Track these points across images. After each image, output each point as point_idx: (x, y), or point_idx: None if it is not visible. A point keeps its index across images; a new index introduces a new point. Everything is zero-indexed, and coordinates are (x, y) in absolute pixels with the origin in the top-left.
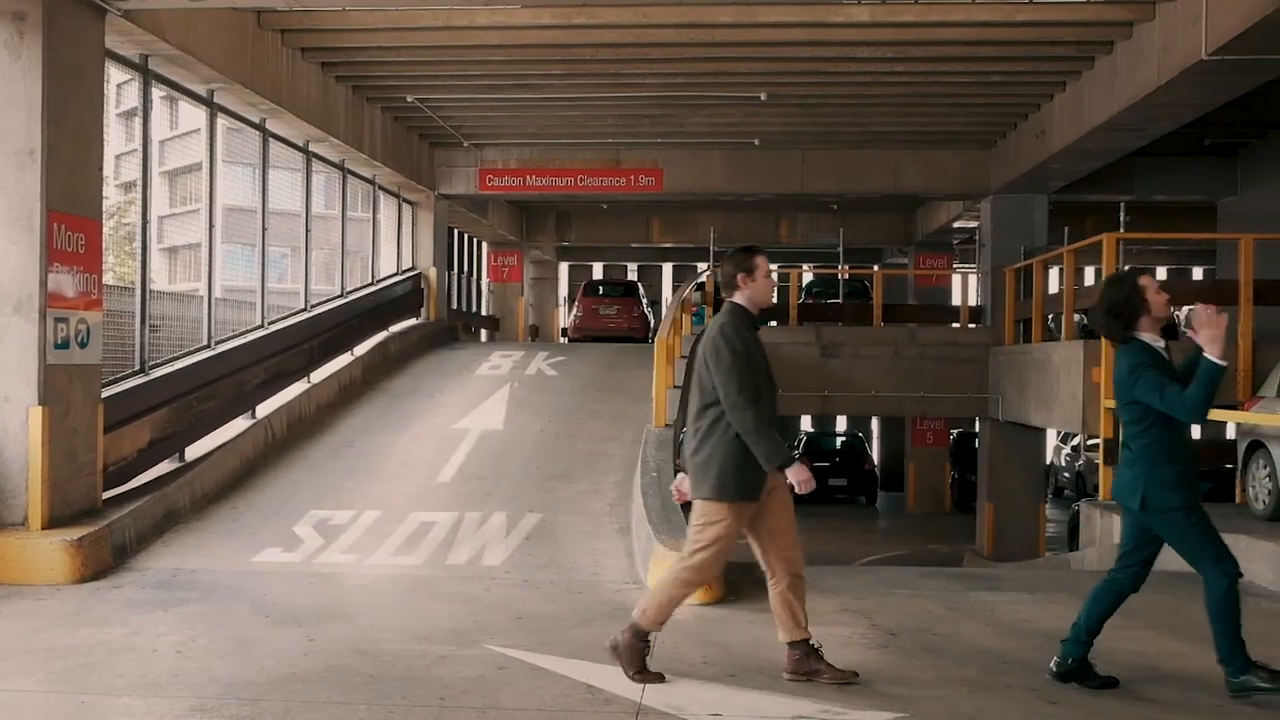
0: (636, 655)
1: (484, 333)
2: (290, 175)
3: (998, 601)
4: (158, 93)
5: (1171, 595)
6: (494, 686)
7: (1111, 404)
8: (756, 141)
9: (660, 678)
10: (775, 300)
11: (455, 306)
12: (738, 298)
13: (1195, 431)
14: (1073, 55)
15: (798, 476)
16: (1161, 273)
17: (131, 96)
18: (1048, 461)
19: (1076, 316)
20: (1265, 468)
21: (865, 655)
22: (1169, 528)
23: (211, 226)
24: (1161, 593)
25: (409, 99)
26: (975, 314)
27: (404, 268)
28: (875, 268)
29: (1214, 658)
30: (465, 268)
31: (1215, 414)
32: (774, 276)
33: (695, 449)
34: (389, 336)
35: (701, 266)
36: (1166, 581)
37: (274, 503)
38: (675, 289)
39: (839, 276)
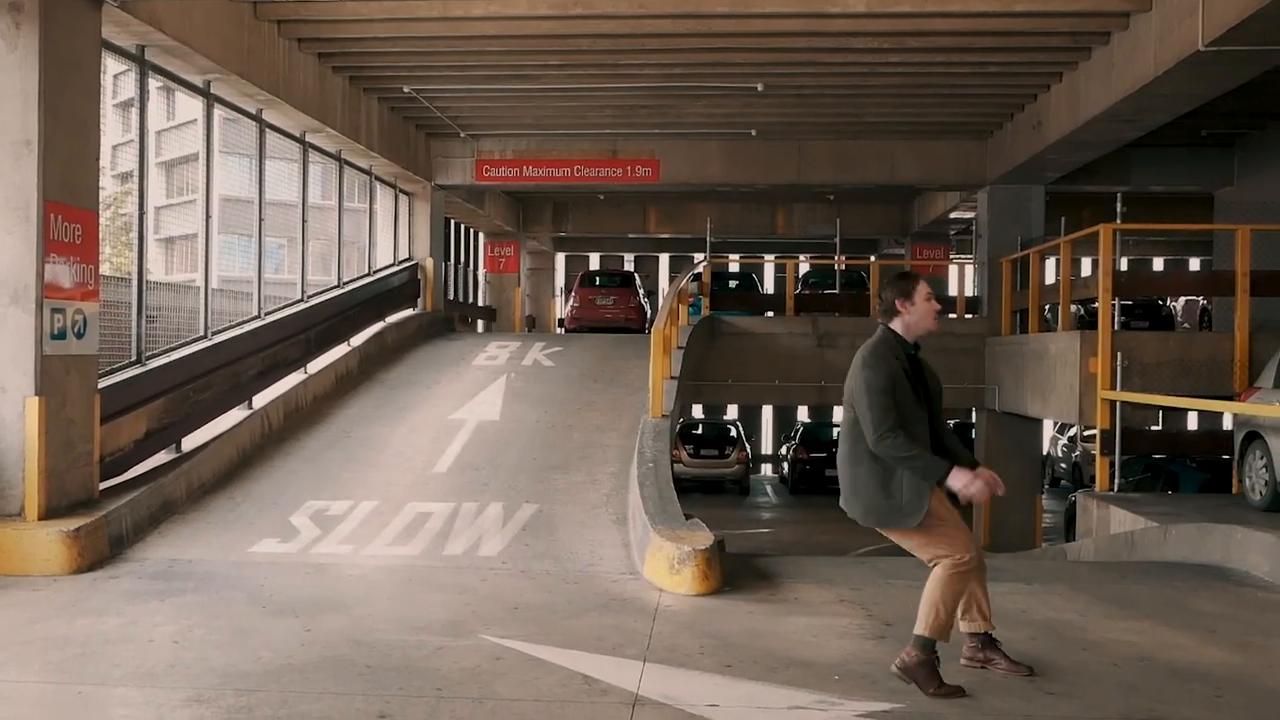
0: (929, 671)
1: (480, 323)
2: (287, 166)
3: (994, 592)
4: (154, 83)
5: (1167, 586)
6: (490, 677)
7: (1111, 395)
8: (753, 132)
9: (960, 691)
10: (936, 325)
11: (452, 297)
12: (895, 324)
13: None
14: (1069, 46)
15: (958, 483)
16: (1158, 264)
17: (128, 87)
18: (1044, 452)
19: (1073, 307)
20: (1262, 459)
21: (861, 645)
22: None
23: (208, 217)
24: (1157, 583)
25: (406, 89)
26: (972, 304)
27: (401, 258)
28: (872, 258)
29: (1213, 648)
30: (462, 258)
31: (1212, 405)
32: (934, 301)
33: (872, 475)
34: (386, 327)
35: (698, 257)
36: (1161, 572)
37: (271, 493)
38: (672, 279)
39: (836, 267)
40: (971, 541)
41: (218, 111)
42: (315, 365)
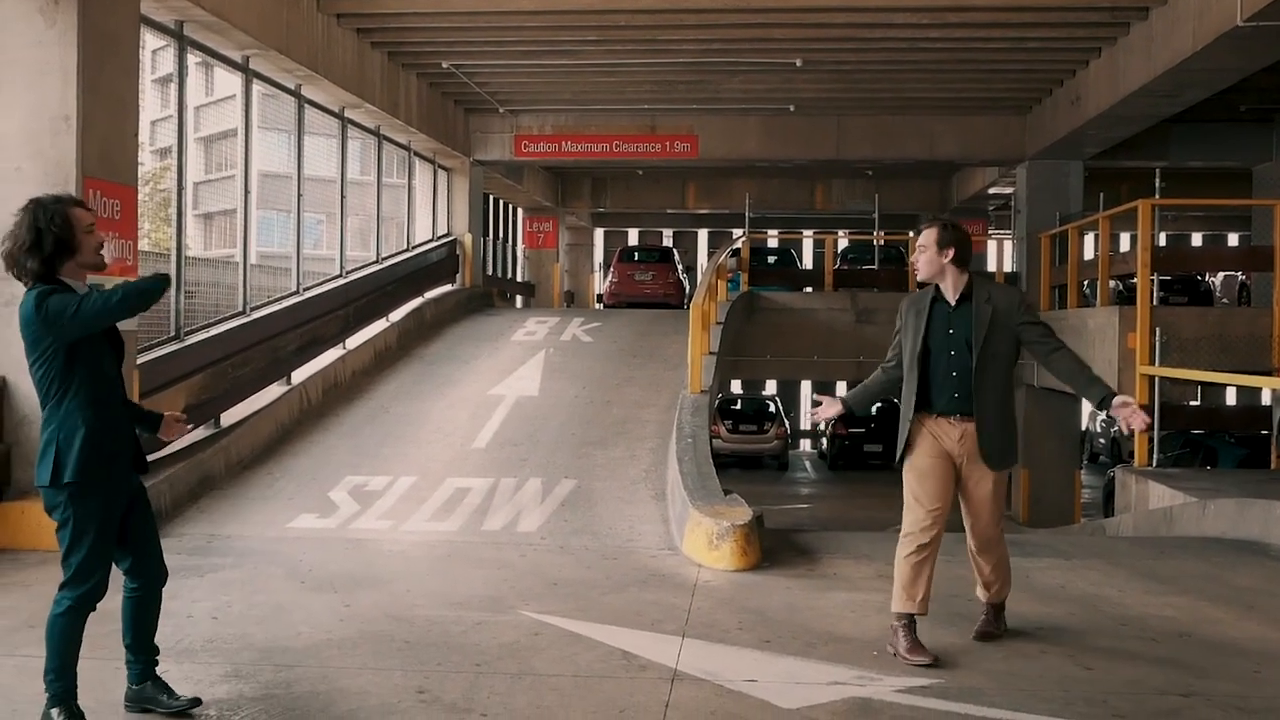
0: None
1: (519, 299)
2: (325, 141)
3: (1033, 567)
4: (193, 59)
5: (1205, 561)
6: (529, 652)
7: (1149, 370)
8: (792, 108)
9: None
10: (929, 273)
11: (490, 272)
12: None
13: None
14: (1108, 21)
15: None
16: (1197, 239)
17: (167, 63)
18: (1083, 428)
19: (1112, 283)
20: None
21: None
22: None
23: (247, 193)
24: (1195, 559)
25: (444, 65)
26: (1010, 280)
27: (439, 234)
28: (911, 234)
29: (1251, 623)
30: (501, 234)
31: (1251, 380)
32: (924, 250)
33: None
34: (424, 303)
35: (737, 233)
36: (1200, 547)
37: (309, 469)
38: (710, 255)
39: (874, 243)
40: (925, 516)
41: (256, 87)
42: (354, 341)
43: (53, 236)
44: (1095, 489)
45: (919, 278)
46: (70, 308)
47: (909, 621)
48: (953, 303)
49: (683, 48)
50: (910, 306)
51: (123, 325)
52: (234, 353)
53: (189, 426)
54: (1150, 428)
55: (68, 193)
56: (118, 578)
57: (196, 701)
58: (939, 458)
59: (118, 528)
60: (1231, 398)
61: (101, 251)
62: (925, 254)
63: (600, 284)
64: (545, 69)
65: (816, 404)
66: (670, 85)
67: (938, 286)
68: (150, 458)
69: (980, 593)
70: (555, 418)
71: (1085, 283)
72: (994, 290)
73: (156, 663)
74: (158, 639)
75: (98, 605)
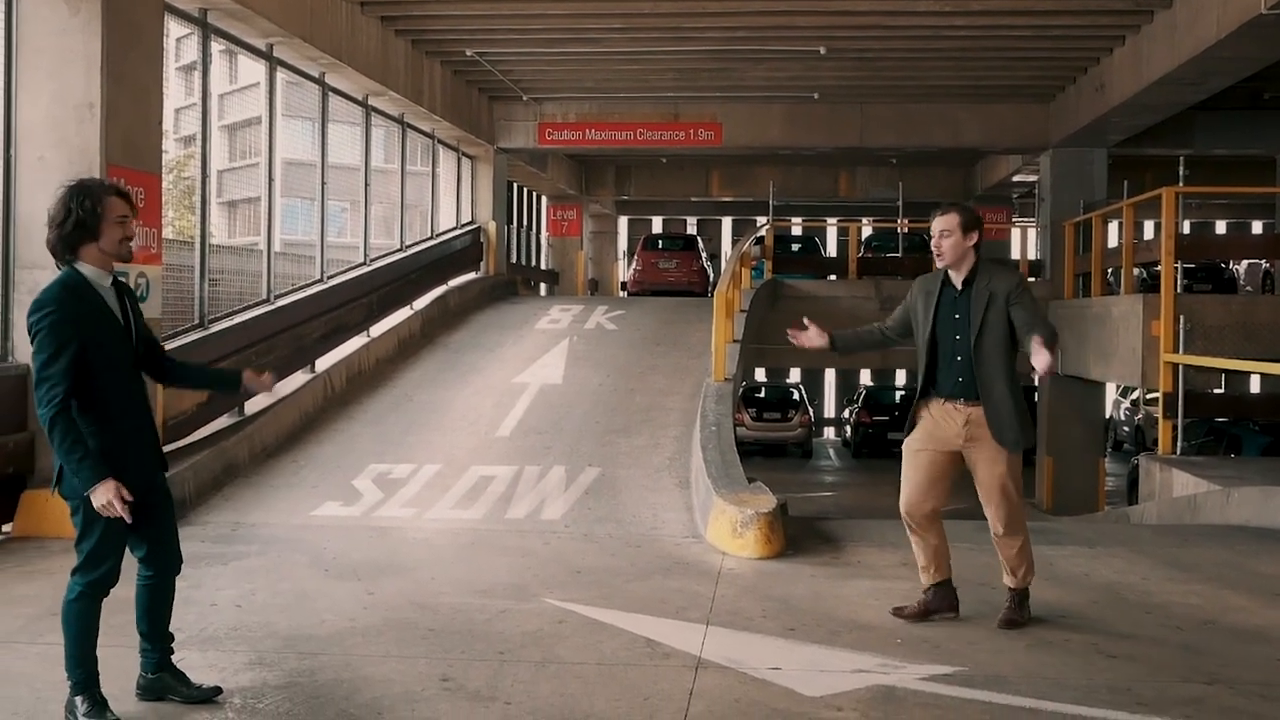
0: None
1: (543, 286)
2: (349, 129)
3: (1057, 555)
4: (217, 47)
5: (1229, 549)
6: (553, 640)
7: (1173, 358)
8: (815, 95)
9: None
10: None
11: (514, 260)
12: None
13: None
14: (1131, 9)
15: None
16: (1221, 227)
17: (191, 51)
18: (1107, 415)
19: (1136, 271)
20: None
21: None
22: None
23: (271, 180)
24: (1219, 547)
25: (468, 53)
26: (1034, 268)
27: (463, 222)
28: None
29: (1275, 611)
30: (524, 221)
31: (1275, 368)
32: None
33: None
34: (448, 290)
35: (761, 220)
36: (1224, 535)
37: (333, 456)
38: (734, 243)
39: (898, 230)
40: (906, 498)
41: (280, 75)
42: (378, 329)
43: (75, 217)
44: (1119, 477)
45: (943, 263)
46: (42, 356)
47: (927, 589)
48: (959, 287)
49: (706, 35)
50: (921, 289)
51: (147, 312)
52: (258, 340)
53: (271, 377)
54: (1052, 372)
55: (115, 181)
56: (131, 566)
57: (217, 690)
58: (931, 445)
59: (133, 516)
60: (1256, 385)
61: (129, 243)
62: (950, 238)
63: (624, 272)
64: (569, 57)
65: (804, 328)
66: (694, 73)
67: (947, 271)
68: (172, 446)
69: (1007, 579)
70: (579, 406)
71: (1109, 271)
72: (995, 274)
73: (172, 651)
74: (181, 627)
75: (111, 591)
